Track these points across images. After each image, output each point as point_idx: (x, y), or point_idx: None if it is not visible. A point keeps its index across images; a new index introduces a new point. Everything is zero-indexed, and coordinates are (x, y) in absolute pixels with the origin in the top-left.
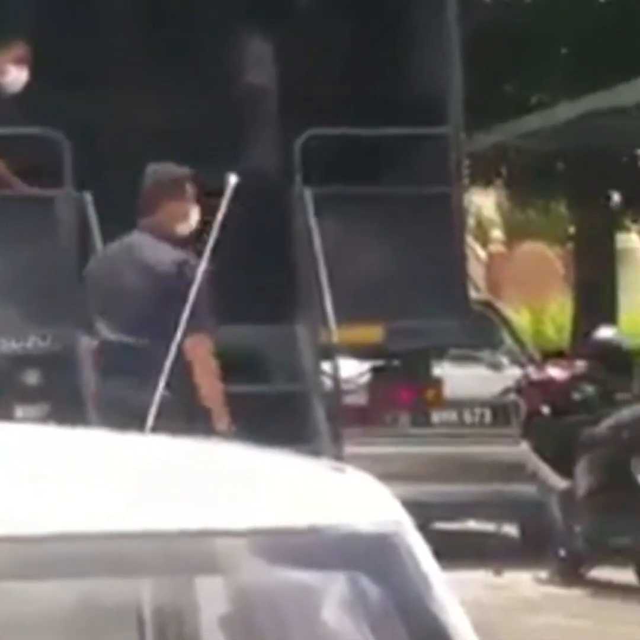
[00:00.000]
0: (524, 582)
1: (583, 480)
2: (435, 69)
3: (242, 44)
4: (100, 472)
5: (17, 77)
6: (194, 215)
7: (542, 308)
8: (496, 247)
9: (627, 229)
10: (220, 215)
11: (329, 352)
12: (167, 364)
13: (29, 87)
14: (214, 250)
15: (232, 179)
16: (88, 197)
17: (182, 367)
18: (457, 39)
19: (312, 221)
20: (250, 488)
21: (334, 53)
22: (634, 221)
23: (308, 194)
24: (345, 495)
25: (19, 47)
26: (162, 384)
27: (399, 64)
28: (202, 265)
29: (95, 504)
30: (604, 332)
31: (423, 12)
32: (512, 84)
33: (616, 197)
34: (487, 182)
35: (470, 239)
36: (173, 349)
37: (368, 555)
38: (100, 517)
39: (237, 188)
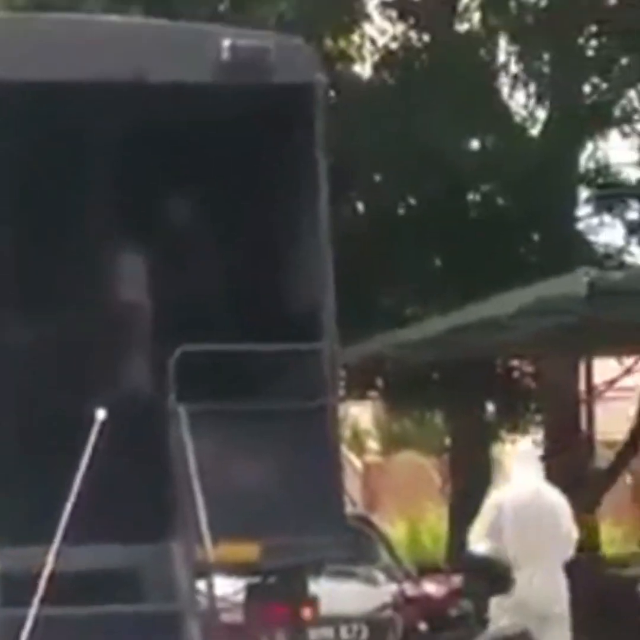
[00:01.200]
0: None
1: None
2: (308, 284)
3: (114, 260)
4: None
5: None
6: None
7: (419, 519)
8: (372, 458)
9: (502, 440)
10: (88, 448)
11: (204, 570)
12: None
13: None
14: (88, 471)
15: (100, 414)
16: None
17: None
18: (330, 254)
19: (187, 438)
20: None
21: (208, 269)
22: (508, 431)
23: (182, 410)
24: None
25: None
26: None
27: (273, 281)
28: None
29: None
30: (480, 546)
31: (296, 229)
32: (387, 296)
33: (491, 408)
34: (363, 393)
35: (346, 451)
36: None
37: None
38: None
39: (112, 407)
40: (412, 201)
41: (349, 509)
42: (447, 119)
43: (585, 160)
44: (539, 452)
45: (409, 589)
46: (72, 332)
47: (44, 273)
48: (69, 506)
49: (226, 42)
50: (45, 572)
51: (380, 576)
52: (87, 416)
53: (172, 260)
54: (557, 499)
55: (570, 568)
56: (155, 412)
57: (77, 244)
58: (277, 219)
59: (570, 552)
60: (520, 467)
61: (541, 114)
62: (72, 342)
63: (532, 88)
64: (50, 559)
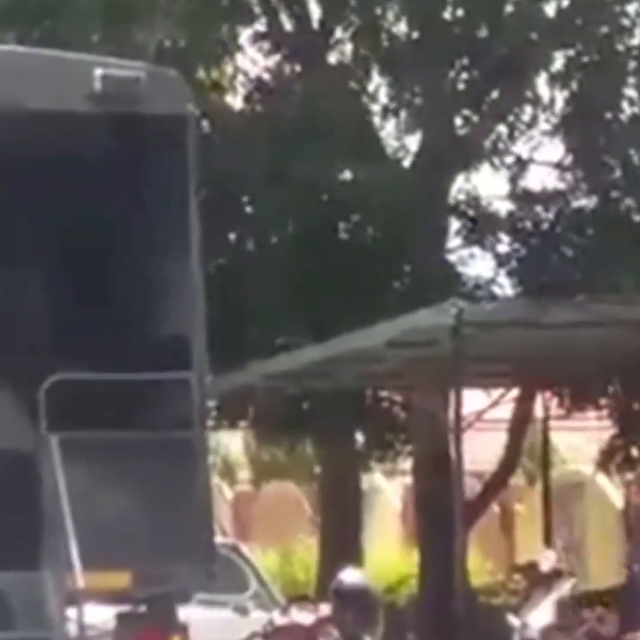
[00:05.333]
0: None
1: None
2: (179, 315)
3: None
4: None
5: None
6: None
7: (290, 549)
8: (243, 487)
9: (372, 470)
10: None
11: (74, 598)
12: None
13: None
14: None
15: None
16: None
17: None
18: (201, 284)
19: (58, 467)
20: None
21: (77, 298)
22: (378, 461)
23: (54, 439)
24: None
25: None
26: None
27: (143, 311)
28: None
29: None
30: (349, 575)
31: (167, 259)
32: (258, 326)
33: (360, 438)
34: (234, 423)
35: (217, 480)
36: None
37: None
38: None
39: None
40: (285, 231)
41: (219, 538)
42: (318, 149)
43: (455, 191)
44: None
45: (278, 618)
46: None
47: None
48: None
49: (98, 72)
50: None
51: (250, 605)
52: None
53: (42, 291)
54: None
55: (445, 598)
56: (27, 441)
57: None
58: (149, 250)
59: None
60: None
61: (413, 144)
62: None
63: (403, 119)
64: None
